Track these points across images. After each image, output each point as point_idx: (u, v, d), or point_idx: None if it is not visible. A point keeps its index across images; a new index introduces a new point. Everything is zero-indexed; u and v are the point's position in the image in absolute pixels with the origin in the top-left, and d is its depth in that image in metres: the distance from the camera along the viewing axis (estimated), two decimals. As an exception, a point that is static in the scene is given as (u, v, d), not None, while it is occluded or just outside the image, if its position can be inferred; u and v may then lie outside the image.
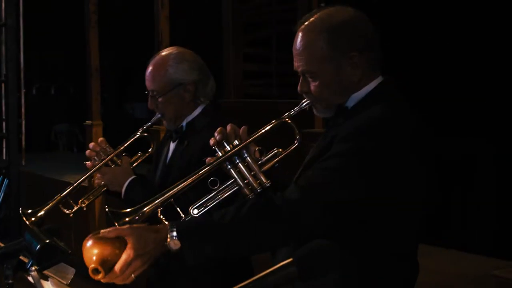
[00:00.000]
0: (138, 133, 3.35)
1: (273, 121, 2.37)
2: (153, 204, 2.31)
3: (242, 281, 2.01)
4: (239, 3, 9.36)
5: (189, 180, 2.33)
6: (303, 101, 2.40)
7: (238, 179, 2.31)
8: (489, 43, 6.09)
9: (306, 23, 2.36)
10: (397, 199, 2.18)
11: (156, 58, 3.30)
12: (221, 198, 2.34)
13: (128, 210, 2.31)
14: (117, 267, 2.06)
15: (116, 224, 2.28)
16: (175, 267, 3.20)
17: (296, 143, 2.35)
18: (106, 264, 2.07)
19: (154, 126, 3.49)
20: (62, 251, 2.09)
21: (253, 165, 2.32)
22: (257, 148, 2.38)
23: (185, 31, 10.12)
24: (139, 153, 3.41)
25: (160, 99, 3.26)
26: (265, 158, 2.36)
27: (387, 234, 2.22)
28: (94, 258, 2.05)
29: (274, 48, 9.20)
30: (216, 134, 2.34)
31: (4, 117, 8.28)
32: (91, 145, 3.36)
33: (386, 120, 2.19)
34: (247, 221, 2.10)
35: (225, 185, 2.34)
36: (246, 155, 2.32)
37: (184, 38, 9.47)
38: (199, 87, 3.27)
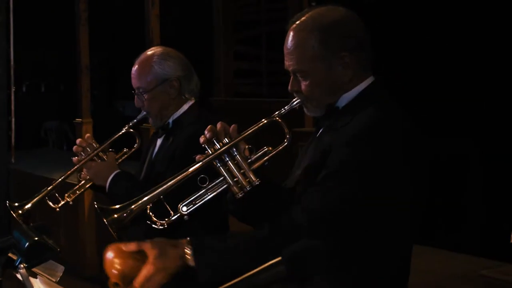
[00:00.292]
0: (124, 130, 3.45)
1: (263, 119, 2.37)
2: (142, 201, 2.32)
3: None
4: (230, 1, 9.36)
5: (179, 178, 2.33)
6: (294, 100, 2.40)
7: (227, 177, 2.31)
8: (482, 44, 6.11)
9: (297, 22, 2.36)
10: (395, 204, 2.19)
11: (141, 57, 3.39)
12: (210, 196, 2.34)
13: (117, 206, 2.32)
14: (137, 281, 2.07)
15: (105, 220, 2.28)
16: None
17: (286, 142, 2.35)
18: (126, 278, 2.08)
19: (144, 125, 3.56)
20: (51, 249, 2.08)
21: (243, 163, 2.32)
22: (247, 146, 2.37)
23: (175, 29, 10.11)
24: (125, 149, 3.50)
25: (146, 96, 3.34)
26: (255, 157, 2.36)
27: (385, 237, 2.23)
28: (115, 272, 2.07)
29: (264, 47, 9.21)
30: (206, 132, 2.34)
31: (-7, 114, 8.28)
32: (78, 140, 3.45)
33: (381, 127, 2.20)
34: (258, 253, 2.10)
35: (215, 183, 2.34)
36: (235, 153, 2.32)
37: (174, 36, 9.47)
38: (183, 83, 3.36)
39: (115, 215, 2.31)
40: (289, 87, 2.40)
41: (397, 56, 6.25)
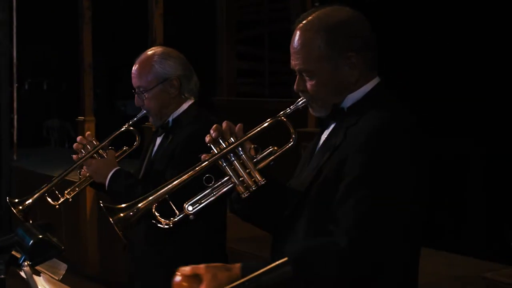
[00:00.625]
0: (124, 128, 3.50)
1: (269, 119, 2.36)
2: (147, 200, 2.32)
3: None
4: (233, 1, 9.36)
5: (184, 177, 2.33)
6: (299, 99, 2.39)
7: (233, 176, 2.31)
8: (482, 44, 6.10)
9: (304, 21, 2.35)
10: (409, 206, 2.19)
11: (142, 56, 3.43)
12: (216, 195, 2.33)
13: (123, 205, 2.32)
14: None
15: (111, 219, 2.28)
16: (155, 261, 3.32)
17: (291, 142, 2.34)
18: None
19: (147, 123, 3.58)
20: (54, 247, 2.08)
21: (248, 163, 2.31)
22: (252, 146, 2.37)
23: (178, 29, 10.11)
24: (125, 147, 3.56)
25: (146, 95, 3.37)
26: (260, 156, 2.35)
27: (402, 239, 2.22)
28: None
29: (266, 47, 9.20)
30: (211, 131, 2.33)
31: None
32: (79, 138, 3.48)
33: (390, 130, 2.19)
34: (306, 271, 2.08)
35: (220, 182, 2.34)
36: (241, 152, 2.31)
37: (177, 35, 9.46)
38: (183, 82, 3.39)
39: (121, 214, 2.31)
40: (295, 87, 2.38)
41: (398, 55, 6.23)
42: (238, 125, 2.37)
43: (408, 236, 2.22)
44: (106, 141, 3.46)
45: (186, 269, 2.10)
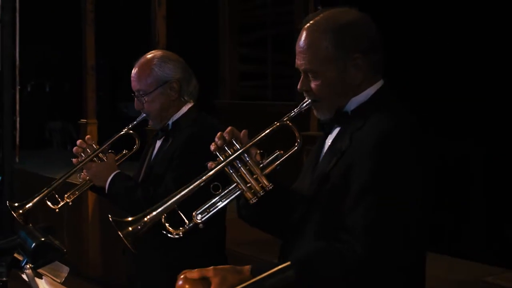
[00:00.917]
0: (123, 131, 3.52)
1: (274, 123, 2.36)
2: (156, 212, 2.31)
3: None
4: (236, 4, 9.36)
5: (192, 186, 2.33)
6: (303, 102, 2.39)
7: (240, 183, 2.30)
8: (483, 44, 6.10)
9: (311, 22, 2.36)
10: (417, 212, 2.20)
11: (141, 60, 3.46)
12: (224, 203, 2.33)
13: (131, 219, 2.31)
14: None
15: (120, 233, 2.27)
16: (156, 263, 3.35)
17: (296, 145, 2.34)
18: None
19: (149, 126, 3.60)
20: (56, 250, 2.08)
21: (255, 169, 2.31)
22: (258, 151, 2.37)
23: (181, 31, 10.11)
24: (125, 151, 3.58)
25: (146, 98, 3.40)
26: (266, 161, 2.35)
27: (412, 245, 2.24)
28: None
29: (269, 49, 9.20)
30: (216, 139, 2.34)
31: (-2, 114, 8.29)
32: (78, 142, 3.50)
33: (397, 136, 2.19)
34: (311, 275, 2.08)
35: (228, 190, 2.34)
36: (247, 159, 2.31)
37: (180, 38, 9.46)
38: (183, 85, 3.43)
39: (130, 228, 2.30)
40: (299, 86, 2.39)
41: (397, 56, 6.21)
42: (243, 131, 2.37)
43: (417, 240, 2.23)
44: (106, 145, 3.49)
45: (193, 272, 2.10)
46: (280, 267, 1.66)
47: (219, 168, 2.31)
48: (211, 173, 2.32)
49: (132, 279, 3.52)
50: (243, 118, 8.19)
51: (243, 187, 2.30)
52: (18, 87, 8.97)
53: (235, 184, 2.32)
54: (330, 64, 2.30)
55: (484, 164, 6.21)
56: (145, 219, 2.30)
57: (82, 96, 8.04)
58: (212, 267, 2.12)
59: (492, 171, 6.15)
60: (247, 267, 2.11)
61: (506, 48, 5.90)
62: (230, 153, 2.32)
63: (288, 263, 1.64)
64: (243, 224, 2.56)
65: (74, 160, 3.48)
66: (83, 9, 7.89)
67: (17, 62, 8.81)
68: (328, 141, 2.40)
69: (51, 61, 14.43)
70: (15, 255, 2.19)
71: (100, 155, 3.47)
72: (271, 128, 2.35)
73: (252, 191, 2.29)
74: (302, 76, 2.38)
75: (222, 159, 2.32)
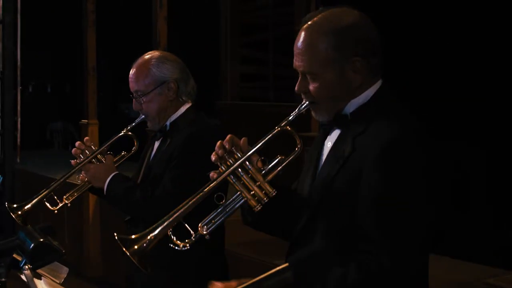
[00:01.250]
0: (122, 132, 3.52)
1: (274, 129, 2.34)
2: (161, 227, 2.30)
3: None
4: (237, 5, 9.35)
5: (196, 199, 2.31)
6: (301, 104, 2.37)
7: (244, 191, 2.29)
8: (484, 45, 6.09)
9: (310, 22, 2.32)
10: (427, 218, 2.20)
11: (139, 60, 3.47)
12: (229, 213, 2.33)
13: (134, 236, 2.29)
14: None
15: (127, 252, 2.26)
16: (155, 263, 3.30)
17: (297, 150, 2.33)
18: None
19: (148, 128, 3.61)
20: (55, 250, 2.08)
21: (257, 176, 2.30)
22: (259, 158, 2.35)
23: (182, 32, 10.11)
24: (123, 152, 3.58)
25: (144, 99, 3.41)
26: (268, 167, 2.33)
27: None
28: None
29: (271, 51, 9.19)
30: (216, 148, 2.32)
31: (0, 114, 8.29)
32: (77, 144, 3.51)
33: (405, 144, 2.18)
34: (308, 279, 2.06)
35: (232, 199, 2.34)
36: (249, 166, 2.30)
37: (181, 38, 9.45)
38: (181, 85, 3.43)
39: (135, 246, 2.27)
40: (296, 88, 2.36)
41: (399, 58, 6.20)
42: (243, 139, 2.35)
43: (428, 245, 2.25)
44: (105, 146, 3.50)
45: (218, 285, 2.10)
46: (278, 268, 1.65)
47: (222, 178, 2.30)
48: (214, 183, 2.31)
49: (131, 279, 3.52)
50: (244, 119, 8.21)
51: (247, 195, 2.29)
52: (19, 88, 8.96)
53: (238, 192, 2.31)
54: (329, 66, 2.27)
55: (486, 164, 6.20)
56: (149, 236, 2.29)
57: (83, 97, 8.04)
58: (236, 280, 2.10)
59: (494, 172, 6.14)
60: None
61: (505, 48, 5.88)
62: (231, 162, 2.30)
63: (286, 264, 1.64)
64: (242, 225, 2.56)
65: (72, 161, 3.49)
66: (84, 10, 7.89)
67: (19, 63, 8.80)
68: (328, 143, 2.39)
69: (53, 62, 14.43)
70: (15, 255, 2.18)
71: (99, 156, 3.47)
72: (271, 134, 2.34)
73: (256, 198, 2.28)
74: (300, 78, 2.35)
75: (224, 169, 2.31)
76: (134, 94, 3.45)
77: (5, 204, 3.43)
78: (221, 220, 2.33)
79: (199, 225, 2.30)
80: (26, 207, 3.39)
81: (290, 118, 2.36)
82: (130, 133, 3.53)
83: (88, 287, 7.26)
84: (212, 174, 2.33)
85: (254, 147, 2.32)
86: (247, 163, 2.31)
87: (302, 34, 2.32)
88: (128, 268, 3.57)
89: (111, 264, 7.22)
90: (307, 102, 2.36)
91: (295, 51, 2.33)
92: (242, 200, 2.32)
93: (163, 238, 2.30)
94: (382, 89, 2.34)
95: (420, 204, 2.15)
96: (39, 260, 2.10)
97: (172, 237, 2.30)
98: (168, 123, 3.45)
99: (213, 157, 2.32)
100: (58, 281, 2.34)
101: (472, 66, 6.06)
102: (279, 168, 2.34)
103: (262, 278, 1.63)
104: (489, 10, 5.97)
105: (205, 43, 9.92)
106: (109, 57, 11.56)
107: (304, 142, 2.41)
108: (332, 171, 2.26)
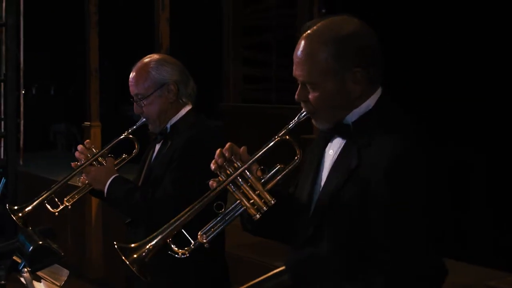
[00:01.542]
0: (123, 135, 3.54)
1: (273, 138, 2.34)
2: (160, 237, 2.31)
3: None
4: (240, 7, 9.36)
5: (196, 207, 2.32)
6: (301, 112, 2.36)
7: (243, 200, 2.30)
8: (482, 46, 6.09)
9: (309, 31, 2.29)
10: (432, 225, 2.25)
11: (138, 64, 3.49)
12: (228, 221, 2.33)
13: (134, 245, 2.31)
14: None
15: (126, 261, 2.26)
16: (155, 266, 3.30)
17: (297, 159, 2.33)
18: None
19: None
20: (54, 253, 2.08)
21: (257, 185, 2.30)
22: (258, 167, 2.35)
23: (185, 34, 10.11)
24: (124, 155, 3.59)
25: (144, 102, 3.43)
26: (268, 176, 2.34)
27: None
28: None
29: (273, 53, 9.20)
30: (216, 157, 2.32)
31: (2, 116, 8.29)
32: (80, 148, 3.53)
33: (412, 157, 2.19)
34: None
35: (231, 208, 2.34)
36: (249, 175, 2.31)
37: (184, 40, 9.46)
38: (180, 87, 3.45)
39: (135, 255, 2.29)
40: (296, 96, 2.34)
41: (398, 58, 6.19)
42: (242, 148, 2.35)
43: (432, 248, 2.28)
44: (106, 149, 3.51)
45: None
46: (275, 271, 1.65)
47: (222, 187, 2.31)
48: (213, 192, 2.32)
49: (131, 280, 3.52)
50: (246, 121, 8.21)
51: (247, 204, 2.29)
52: (22, 90, 8.96)
53: (238, 201, 2.31)
54: (329, 76, 2.25)
55: (488, 166, 6.20)
56: (149, 245, 2.30)
57: (86, 98, 8.04)
58: None
59: (495, 174, 6.13)
60: None
61: (505, 49, 5.89)
62: (231, 171, 2.31)
63: (283, 267, 1.64)
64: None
65: (73, 164, 3.51)
66: (86, 11, 7.89)
67: (21, 65, 8.80)
68: (329, 151, 2.38)
69: (56, 64, 14.45)
70: (15, 258, 2.19)
71: (100, 159, 3.49)
72: (271, 144, 2.34)
73: (255, 207, 2.29)
74: (300, 86, 2.33)
75: (223, 178, 2.31)
76: (134, 98, 3.46)
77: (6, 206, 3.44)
78: (220, 228, 2.33)
79: (199, 233, 2.31)
80: (27, 209, 3.40)
81: (289, 126, 2.35)
82: (131, 136, 3.55)
83: (90, 288, 7.28)
84: (212, 183, 2.33)
85: (254, 157, 2.32)
86: (247, 172, 2.31)
87: (302, 43, 2.29)
88: (128, 275, 3.56)
89: (113, 266, 7.23)
90: (306, 111, 2.35)
91: (295, 60, 2.31)
92: (242, 209, 2.33)
93: (163, 246, 2.31)
94: (383, 98, 2.32)
95: (424, 214, 2.18)
96: (38, 263, 2.10)
97: (172, 245, 2.30)
98: (168, 125, 3.47)
99: (212, 166, 2.32)
100: (58, 284, 2.35)
101: (473, 66, 6.06)
102: (278, 177, 2.34)
103: (259, 281, 1.63)
104: (489, 10, 5.97)
105: (208, 45, 9.92)
106: (112, 59, 11.57)
107: (306, 144, 2.40)
108: (339, 182, 2.25)
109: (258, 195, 2.30)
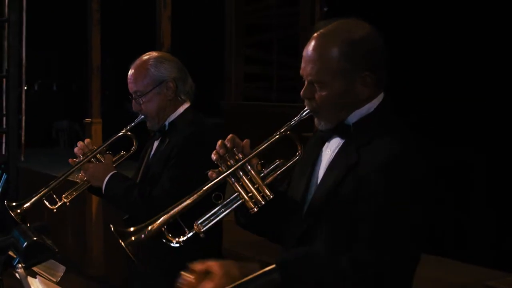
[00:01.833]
0: (121, 133, 3.55)
1: (275, 134, 2.35)
2: (158, 222, 2.31)
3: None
4: (241, 6, 9.36)
5: (194, 197, 2.32)
6: (303, 110, 2.36)
7: (242, 193, 2.30)
8: (482, 46, 6.09)
9: (322, 30, 2.30)
10: (423, 224, 2.23)
11: (137, 61, 3.50)
12: (225, 212, 2.34)
13: (133, 229, 2.32)
14: None
15: (122, 243, 2.27)
16: (154, 263, 3.35)
17: (298, 155, 2.34)
18: None
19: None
20: (48, 249, 2.09)
21: (256, 179, 2.31)
22: (259, 161, 2.36)
23: (187, 31, 10.12)
24: (122, 152, 3.61)
25: (143, 99, 3.44)
26: (267, 171, 2.35)
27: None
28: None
29: (275, 51, 9.20)
30: (218, 148, 2.32)
31: (4, 112, 8.31)
32: (80, 144, 3.55)
33: (408, 157, 2.21)
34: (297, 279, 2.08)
35: (229, 199, 2.34)
36: (249, 168, 2.31)
37: (186, 38, 9.46)
38: (179, 85, 3.47)
39: (132, 238, 2.30)
40: (302, 93, 2.34)
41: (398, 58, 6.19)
42: (245, 140, 2.35)
43: (416, 251, 2.27)
44: (104, 146, 3.52)
45: (198, 265, 2.10)
46: (265, 269, 1.65)
47: (222, 178, 2.31)
48: (213, 182, 2.32)
49: (129, 277, 3.53)
50: (247, 119, 8.21)
51: (245, 197, 2.30)
52: (24, 87, 8.99)
53: (236, 193, 2.32)
54: (339, 76, 2.25)
55: (487, 167, 6.20)
56: (147, 229, 2.30)
57: (88, 95, 8.04)
58: (216, 261, 2.11)
59: (495, 174, 6.14)
60: (251, 264, 2.08)
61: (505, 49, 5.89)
62: (232, 163, 2.31)
63: (273, 266, 1.63)
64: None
65: (70, 160, 3.52)
66: (89, 9, 7.90)
67: (24, 61, 8.83)
68: (326, 151, 2.38)
69: (59, 60, 14.47)
70: (10, 253, 2.19)
71: (98, 156, 3.50)
72: (272, 139, 2.34)
73: (254, 200, 2.29)
74: (306, 84, 2.33)
75: (224, 169, 2.32)
76: (133, 95, 3.47)
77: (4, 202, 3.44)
78: (217, 219, 2.33)
79: (195, 222, 2.31)
80: (25, 206, 3.41)
81: (291, 123, 2.36)
82: (129, 133, 3.56)
83: (90, 285, 7.28)
84: (211, 173, 2.34)
85: (255, 150, 2.33)
86: (247, 165, 2.31)
87: (313, 42, 2.29)
88: (126, 267, 3.59)
89: (113, 263, 7.23)
90: (309, 109, 2.35)
91: (305, 58, 2.31)
92: (240, 201, 2.33)
93: (159, 235, 2.31)
94: (384, 102, 2.34)
95: (415, 212, 2.18)
96: (32, 259, 2.11)
97: (166, 233, 2.30)
98: (167, 123, 3.48)
99: (213, 156, 2.33)
100: (54, 280, 2.35)
101: (473, 67, 6.06)
102: (278, 172, 2.36)
103: (248, 279, 1.63)
104: (488, 10, 5.98)
105: (209, 43, 9.93)
106: (114, 56, 11.59)
107: (306, 142, 2.41)
108: (337, 178, 2.26)
109: (257, 189, 2.30)
